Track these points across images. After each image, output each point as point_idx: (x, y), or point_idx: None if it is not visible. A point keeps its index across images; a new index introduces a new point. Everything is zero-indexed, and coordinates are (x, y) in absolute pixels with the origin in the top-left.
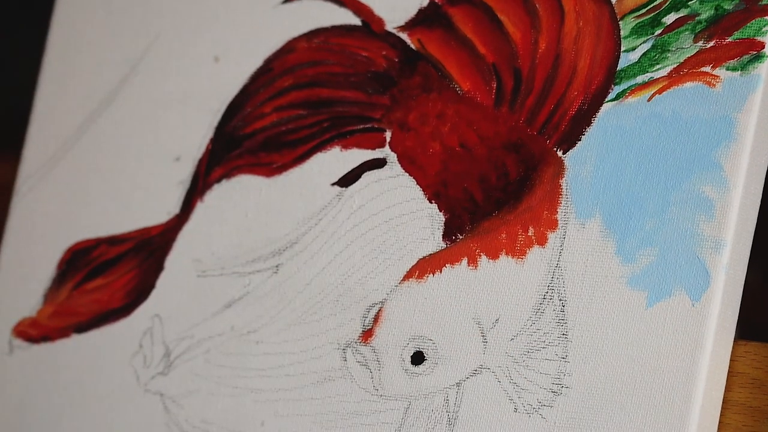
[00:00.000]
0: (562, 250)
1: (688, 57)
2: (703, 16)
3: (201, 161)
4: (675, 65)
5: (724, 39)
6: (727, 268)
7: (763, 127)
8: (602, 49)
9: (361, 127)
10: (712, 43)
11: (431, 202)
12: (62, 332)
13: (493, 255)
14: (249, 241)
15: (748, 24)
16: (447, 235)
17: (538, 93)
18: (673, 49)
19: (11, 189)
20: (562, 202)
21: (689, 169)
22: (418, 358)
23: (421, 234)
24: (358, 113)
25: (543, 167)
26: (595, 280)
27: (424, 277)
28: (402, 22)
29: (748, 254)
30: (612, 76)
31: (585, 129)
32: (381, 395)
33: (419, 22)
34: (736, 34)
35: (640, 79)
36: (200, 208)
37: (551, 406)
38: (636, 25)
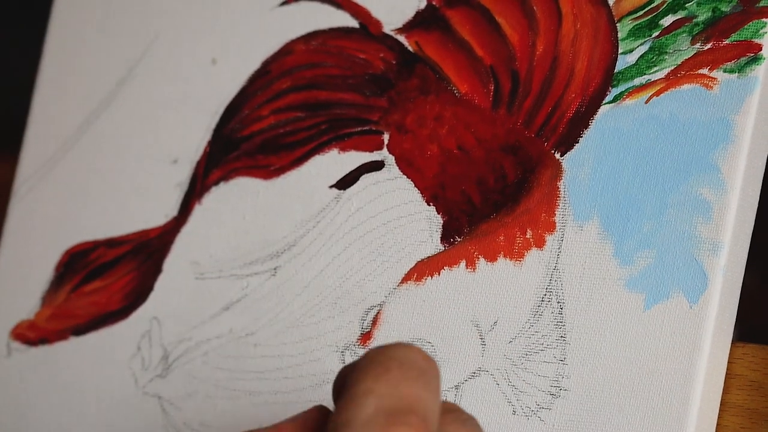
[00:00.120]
0: (560, 252)
1: (686, 59)
2: (701, 18)
3: (199, 163)
4: (672, 67)
5: (722, 41)
6: (724, 270)
7: (761, 129)
8: (600, 52)
9: (359, 129)
10: (709, 46)
11: (429, 205)
12: (60, 335)
13: (491, 257)
14: (247, 244)
15: (746, 26)
16: (445, 237)
17: (536, 95)
18: (671, 51)
19: (9, 190)
20: (560, 204)
21: (687, 171)
22: None
23: (419, 236)
24: (355, 115)
25: (541, 169)
26: (593, 282)
27: (423, 280)
28: (399, 25)
29: (746, 256)
30: (609, 78)
31: (582, 131)
32: None
33: (417, 24)
34: (734, 37)
35: (637, 81)
36: (198, 211)
37: (550, 409)
38: (633, 27)
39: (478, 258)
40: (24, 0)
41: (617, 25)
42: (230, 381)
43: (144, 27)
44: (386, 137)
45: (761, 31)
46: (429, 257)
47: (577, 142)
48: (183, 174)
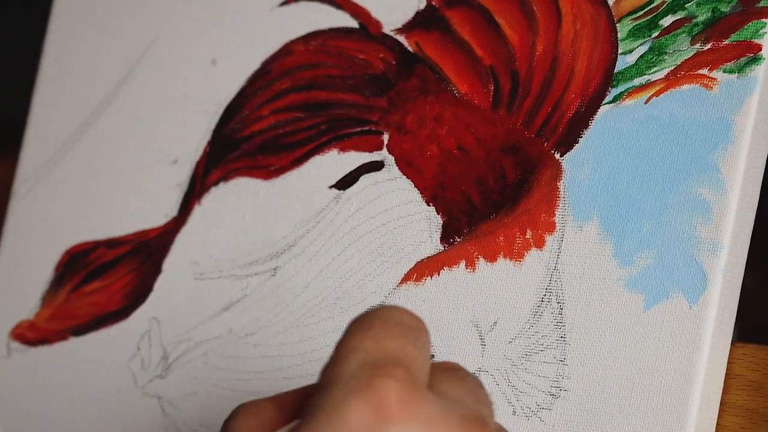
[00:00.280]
0: (559, 252)
1: (685, 59)
2: (700, 19)
3: (198, 164)
4: (672, 68)
5: (721, 41)
6: (724, 271)
7: (760, 129)
8: (599, 52)
9: (359, 129)
10: (709, 46)
11: (429, 205)
12: (60, 335)
13: (491, 258)
14: (247, 244)
15: (745, 26)
16: (445, 237)
17: (536, 95)
18: (671, 51)
19: (9, 190)
20: (560, 204)
21: (686, 171)
22: None
23: (419, 237)
24: (355, 116)
25: (540, 170)
26: (593, 282)
27: (422, 280)
28: (399, 25)
29: (746, 256)
30: (609, 78)
31: (582, 131)
32: None
33: (416, 24)
34: (733, 37)
35: (637, 81)
36: (198, 211)
37: (550, 409)
38: (633, 27)
39: (478, 258)
40: (24, 0)
41: (617, 25)
42: (230, 381)
43: (144, 27)
44: (386, 137)
45: (761, 32)
46: (429, 257)
47: (577, 143)
48: (183, 174)
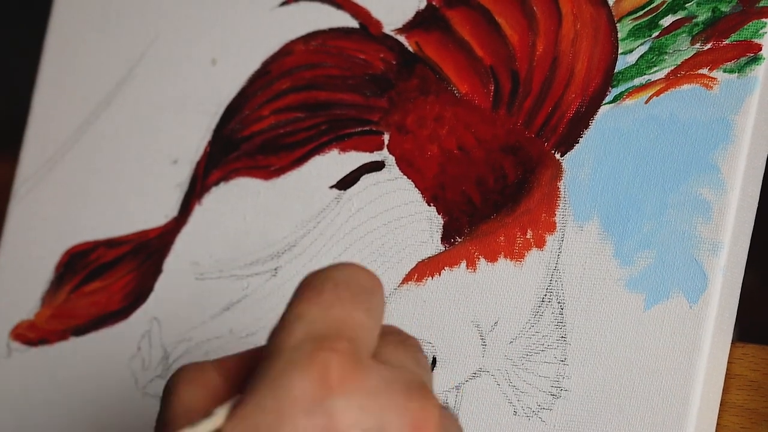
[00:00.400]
0: (560, 252)
1: (686, 59)
2: (701, 19)
3: (199, 164)
4: (672, 67)
5: (721, 41)
6: (724, 270)
7: (760, 129)
8: (600, 52)
9: (359, 129)
10: (709, 46)
11: (429, 205)
12: (60, 335)
13: (492, 258)
14: (247, 244)
15: (745, 26)
16: (445, 237)
17: (536, 95)
18: (671, 51)
19: (9, 190)
20: (560, 204)
21: (687, 171)
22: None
23: (420, 237)
24: (355, 116)
25: (541, 170)
26: (594, 282)
27: (423, 280)
28: (399, 25)
29: (746, 256)
30: (609, 78)
31: (582, 131)
32: None
33: (417, 24)
34: (733, 37)
35: (637, 81)
36: (198, 211)
37: (550, 409)
38: (633, 27)
39: (479, 258)
40: (24, 0)
41: (617, 25)
42: None
43: (144, 27)
44: (386, 138)
45: (761, 31)
46: (429, 258)
47: (577, 143)
48: (183, 174)
